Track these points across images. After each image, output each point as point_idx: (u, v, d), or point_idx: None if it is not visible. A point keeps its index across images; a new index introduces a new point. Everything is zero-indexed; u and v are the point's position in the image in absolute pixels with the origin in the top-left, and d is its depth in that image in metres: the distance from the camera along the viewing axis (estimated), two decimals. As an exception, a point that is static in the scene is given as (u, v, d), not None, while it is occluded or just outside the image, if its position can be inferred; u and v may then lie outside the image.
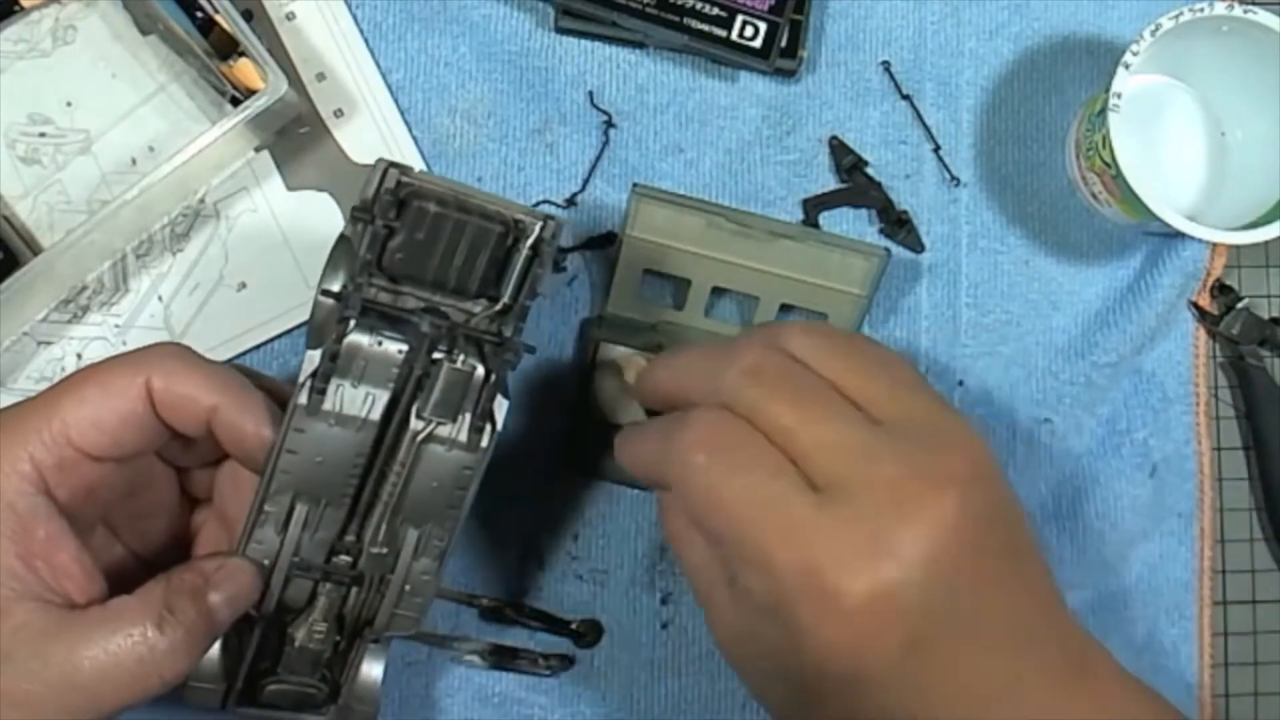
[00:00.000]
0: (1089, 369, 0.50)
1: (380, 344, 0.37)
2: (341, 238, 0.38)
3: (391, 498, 0.38)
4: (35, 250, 0.47)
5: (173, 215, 0.48)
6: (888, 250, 0.47)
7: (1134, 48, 0.44)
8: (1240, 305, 0.51)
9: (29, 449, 0.35)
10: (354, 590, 0.39)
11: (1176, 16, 0.44)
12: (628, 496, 0.49)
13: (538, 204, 0.49)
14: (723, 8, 0.48)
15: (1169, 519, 0.50)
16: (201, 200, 0.48)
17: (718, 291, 0.48)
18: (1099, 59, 0.51)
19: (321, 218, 0.49)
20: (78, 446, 0.35)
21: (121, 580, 0.37)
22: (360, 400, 0.37)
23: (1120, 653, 0.49)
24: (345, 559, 0.39)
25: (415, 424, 0.38)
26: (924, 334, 0.50)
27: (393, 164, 0.36)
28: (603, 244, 0.49)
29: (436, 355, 0.37)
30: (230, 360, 0.48)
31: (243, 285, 0.48)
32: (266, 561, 0.38)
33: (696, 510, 0.35)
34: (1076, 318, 0.51)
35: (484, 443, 0.38)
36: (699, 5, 0.48)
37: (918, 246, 0.50)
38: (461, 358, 0.37)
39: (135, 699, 0.34)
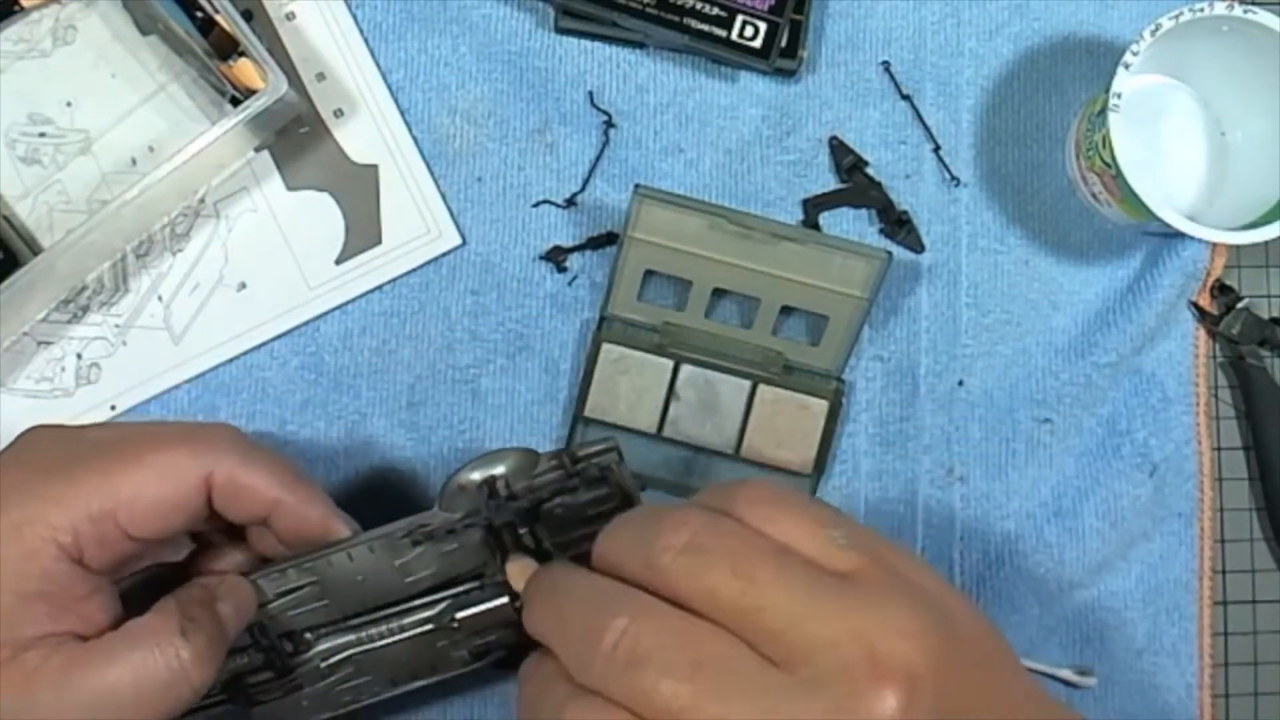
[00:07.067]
0: (1089, 369, 0.50)
1: (479, 543, 0.39)
2: (526, 451, 0.39)
3: (368, 642, 0.40)
4: (35, 250, 0.47)
5: (173, 215, 0.48)
6: (889, 253, 0.47)
7: (1134, 48, 0.44)
8: (1240, 305, 0.51)
9: (74, 520, 0.34)
10: (267, 673, 0.40)
11: (1176, 16, 0.44)
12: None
13: (538, 204, 0.49)
14: (723, 8, 0.48)
15: (1169, 519, 0.50)
16: (201, 200, 0.48)
17: (719, 293, 0.48)
18: (1099, 59, 0.51)
19: (321, 218, 0.49)
20: (123, 528, 0.35)
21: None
22: (425, 565, 0.39)
23: (1120, 653, 0.50)
24: (289, 646, 0.40)
25: (435, 611, 0.39)
26: (924, 334, 0.50)
27: (619, 450, 0.38)
28: (603, 244, 0.49)
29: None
30: (231, 360, 0.48)
31: (243, 285, 0.48)
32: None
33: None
34: (1076, 318, 0.51)
35: (474, 665, 0.40)
36: (699, 5, 0.48)
37: (918, 247, 0.50)
38: (519, 604, 0.37)
39: (171, 710, 0.34)
